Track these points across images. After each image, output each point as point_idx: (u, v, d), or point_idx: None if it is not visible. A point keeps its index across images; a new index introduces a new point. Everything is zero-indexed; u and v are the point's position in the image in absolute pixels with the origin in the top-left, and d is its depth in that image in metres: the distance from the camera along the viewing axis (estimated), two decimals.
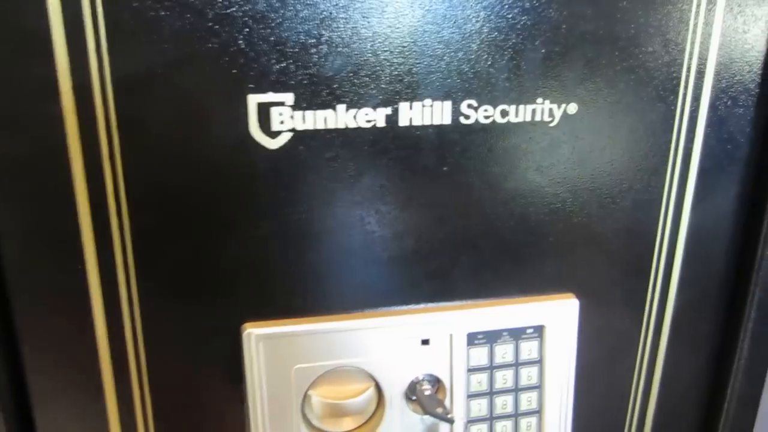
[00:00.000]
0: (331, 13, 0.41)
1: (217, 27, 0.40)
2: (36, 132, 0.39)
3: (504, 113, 0.45)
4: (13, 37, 0.38)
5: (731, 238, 0.52)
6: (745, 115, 0.48)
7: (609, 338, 0.54)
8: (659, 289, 0.53)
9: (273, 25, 0.40)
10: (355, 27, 0.41)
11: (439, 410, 0.48)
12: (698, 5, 0.45)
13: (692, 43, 0.46)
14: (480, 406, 0.51)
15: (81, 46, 0.38)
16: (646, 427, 0.57)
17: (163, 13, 0.39)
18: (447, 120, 0.44)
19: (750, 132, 0.49)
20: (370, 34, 0.41)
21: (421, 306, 0.49)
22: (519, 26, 0.43)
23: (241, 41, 0.40)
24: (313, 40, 0.41)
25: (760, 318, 0.53)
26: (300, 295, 0.47)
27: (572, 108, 0.46)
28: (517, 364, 0.51)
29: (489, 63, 0.43)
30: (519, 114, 0.45)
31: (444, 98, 0.44)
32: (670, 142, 0.48)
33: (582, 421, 0.55)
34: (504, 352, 0.50)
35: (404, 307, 0.49)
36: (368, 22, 0.41)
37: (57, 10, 0.38)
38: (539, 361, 0.51)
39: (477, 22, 0.42)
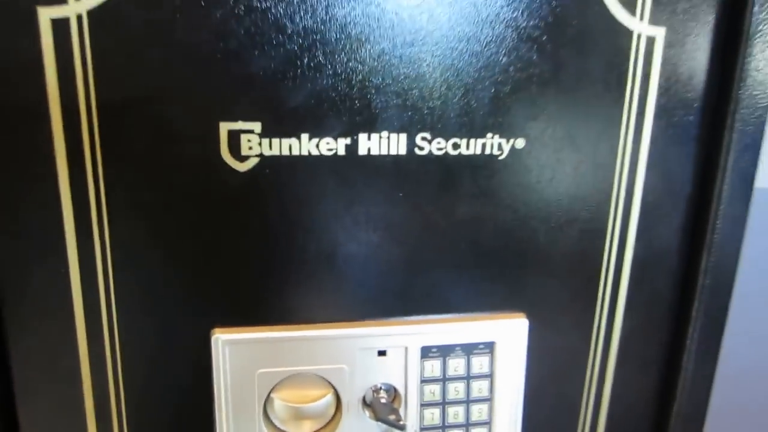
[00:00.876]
0: (296, 52, 0.45)
1: (193, 61, 0.44)
2: (26, 155, 0.44)
3: (456, 146, 0.49)
4: (7, 64, 0.42)
5: (675, 266, 0.55)
6: (685, 152, 0.52)
7: (559, 357, 0.57)
8: (606, 313, 0.56)
9: (244, 60, 0.45)
10: (319, 64, 0.45)
11: (392, 417, 0.52)
12: (637, 48, 0.49)
13: (633, 84, 0.49)
14: (433, 415, 0.55)
15: (70, 75, 0.43)
16: None
17: (145, 46, 0.44)
18: (403, 151, 0.48)
19: (690, 168, 0.52)
20: (332, 72, 0.46)
21: (379, 320, 0.53)
22: (470, 67, 0.47)
23: (215, 74, 0.45)
24: (279, 75, 0.45)
25: (702, 340, 0.56)
26: (267, 305, 0.51)
27: (520, 143, 0.50)
28: (468, 377, 0.54)
29: (442, 100, 0.47)
30: (470, 147, 0.49)
31: (400, 131, 0.48)
32: (614, 176, 0.52)
33: None
34: (456, 365, 0.54)
35: (363, 320, 0.52)
36: (330, 61, 0.45)
37: (49, 42, 0.42)
38: (490, 375, 0.55)
39: (431, 62, 0.47)
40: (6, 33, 0.42)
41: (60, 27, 0.42)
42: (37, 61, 0.42)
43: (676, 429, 0.59)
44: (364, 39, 0.45)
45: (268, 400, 0.52)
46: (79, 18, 0.42)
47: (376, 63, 0.46)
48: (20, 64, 0.42)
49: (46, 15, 0.42)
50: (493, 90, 0.48)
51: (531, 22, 0.47)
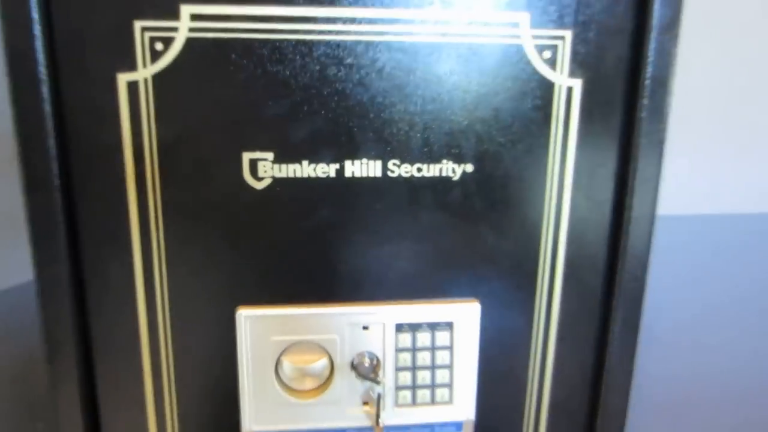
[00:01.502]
0: (299, 101, 0.62)
1: (224, 108, 0.61)
2: (105, 179, 0.62)
3: (419, 169, 0.65)
4: (95, 115, 0.60)
5: (599, 266, 0.70)
6: (603, 176, 0.66)
7: (507, 334, 0.72)
8: (545, 301, 0.71)
9: (261, 108, 0.62)
10: (315, 110, 0.62)
11: (372, 375, 0.68)
12: (559, 96, 0.64)
13: (557, 124, 0.64)
14: (406, 377, 0.70)
15: (138, 122, 0.61)
16: (543, 407, 0.75)
17: (191, 100, 0.61)
18: (378, 173, 0.64)
19: (608, 189, 0.67)
20: (324, 116, 0.62)
21: (364, 302, 0.69)
22: (428, 111, 0.63)
23: (240, 118, 0.62)
24: (287, 118, 0.62)
25: (623, 324, 0.70)
26: (278, 289, 0.67)
27: (469, 167, 0.65)
28: (433, 348, 0.70)
29: (407, 135, 0.63)
30: (430, 171, 0.65)
31: (375, 158, 0.64)
32: (545, 195, 0.67)
33: (488, 396, 0.73)
34: (423, 339, 0.69)
35: (351, 302, 0.68)
36: (323, 108, 0.62)
37: (124, 98, 0.60)
38: (450, 347, 0.70)
39: (398, 108, 0.63)
40: (94, 92, 0.60)
41: (132, 87, 0.60)
42: (115, 113, 0.60)
43: (607, 391, 0.73)
44: (348, 93, 0.62)
45: (278, 362, 0.68)
46: (146, 81, 0.60)
47: (357, 109, 0.62)
48: (104, 115, 0.60)
49: (123, 79, 0.60)
50: (446, 127, 0.64)
51: (473, 78, 0.63)
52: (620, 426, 0.75)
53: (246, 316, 0.67)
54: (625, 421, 0.74)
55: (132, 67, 0.60)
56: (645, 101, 0.64)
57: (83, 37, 0.59)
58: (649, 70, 0.63)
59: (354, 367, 0.69)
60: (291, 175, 0.64)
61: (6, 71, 0.58)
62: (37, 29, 0.57)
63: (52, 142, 0.60)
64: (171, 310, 0.67)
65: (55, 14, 0.58)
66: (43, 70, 0.58)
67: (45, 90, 0.59)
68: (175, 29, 0.59)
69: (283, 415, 0.69)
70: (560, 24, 0.63)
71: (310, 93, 0.62)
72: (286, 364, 0.69)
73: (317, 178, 0.64)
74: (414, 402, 0.71)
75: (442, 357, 0.70)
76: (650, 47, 0.63)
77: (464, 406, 0.71)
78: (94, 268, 0.65)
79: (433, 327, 0.69)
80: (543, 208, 0.67)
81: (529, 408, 0.75)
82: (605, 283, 0.71)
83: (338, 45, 0.61)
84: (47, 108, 0.59)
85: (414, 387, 0.70)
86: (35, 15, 0.57)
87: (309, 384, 0.70)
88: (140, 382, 0.69)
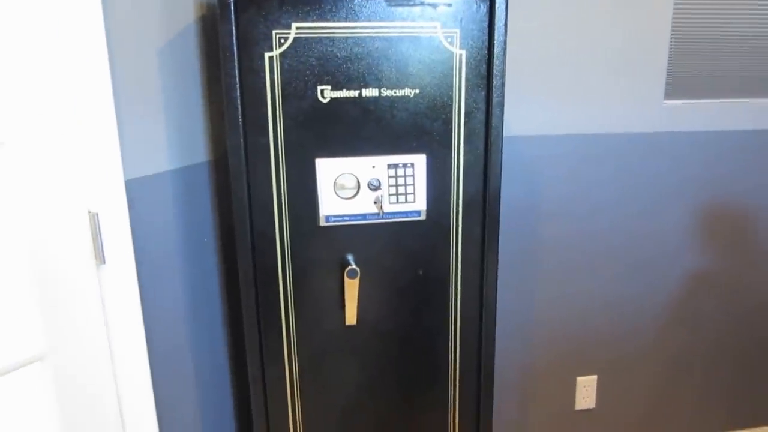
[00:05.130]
0: (341, 62, 1.42)
1: (311, 67, 1.42)
2: (258, 98, 1.43)
3: (395, 92, 1.46)
4: (254, 76, 1.41)
5: (482, 134, 1.52)
6: (480, 92, 1.48)
7: (440, 170, 1.53)
8: (456, 153, 1.52)
9: (325, 66, 1.42)
10: (349, 66, 1.43)
11: (377, 189, 1.50)
12: (455, 59, 1.44)
13: (454, 73, 1.45)
14: (393, 190, 1.52)
15: (295, 77, 1.41)
16: (460, 199, 1.57)
17: (294, 64, 1.41)
18: (377, 94, 1.45)
19: (482, 97, 1.48)
20: (354, 70, 1.43)
21: (372, 155, 1.50)
22: (398, 66, 1.44)
23: (316, 71, 1.42)
24: (337, 69, 1.42)
25: (493, 163, 1.52)
26: (335, 149, 1.49)
27: (417, 91, 1.46)
28: (405, 176, 1.52)
29: (389, 77, 1.44)
30: (399, 92, 1.46)
31: (375, 87, 1.45)
32: (452, 103, 1.48)
33: (432, 198, 1.55)
34: (400, 171, 1.51)
35: (366, 155, 1.50)
36: (353, 65, 1.42)
37: (266, 66, 1.40)
38: (413, 176, 1.52)
39: (384, 65, 1.43)
40: (254, 62, 1.40)
41: (271, 59, 1.40)
42: (263, 70, 1.41)
43: (488, 183, 1.56)
44: (362, 58, 1.43)
45: (334, 183, 1.50)
46: (277, 56, 1.40)
47: (367, 66, 1.43)
48: (258, 72, 1.41)
49: (267, 55, 1.40)
50: (406, 72, 1.44)
51: (417, 51, 1.43)
52: (497, 197, 1.57)
53: (320, 162, 1.48)
54: (498, 196, 1.57)
55: (271, 49, 1.40)
56: (495, 60, 1.45)
57: (250, 37, 1.39)
58: (495, 45, 1.44)
59: (369, 185, 1.51)
60: (338, 96, 1.45)
61: (222, 56, 1.38)
62: (232, 34, 1.38)
63: (236, 84, 1.40)
64: (286, 160, 1.48)
65: (241, 26, 1.39)
66: (235, 52, 1.39)
67: (234, 61, 1.39)
68: (289, 33, 1.40)
69: (338, 206, 1.52)
70: (454, 26, 1.43)
71: (346, 59, 1.42)
72: (338, 183, 1.50)
73: (350, 97, 1.45)
74: (397, 201, 1.53)
75: (409, 180, 1.52)
76: (495, 34, 1.44)
77: (420, 203, 1.54)
78: (253, 142, 1.46)
79: (405, 166, 1.51)
80: (452, 108, 1.49)
81: (452, 198, 1.57)
82: (485, 142, 1.53)
83: (358, 38, 1.42)
84: (235, 69, 1.40)
85: (397, 194, 1.53)
86: (232, 29, 1.37)
87: (349, 193, 1.52)
88: (270, 188, 1.50)
